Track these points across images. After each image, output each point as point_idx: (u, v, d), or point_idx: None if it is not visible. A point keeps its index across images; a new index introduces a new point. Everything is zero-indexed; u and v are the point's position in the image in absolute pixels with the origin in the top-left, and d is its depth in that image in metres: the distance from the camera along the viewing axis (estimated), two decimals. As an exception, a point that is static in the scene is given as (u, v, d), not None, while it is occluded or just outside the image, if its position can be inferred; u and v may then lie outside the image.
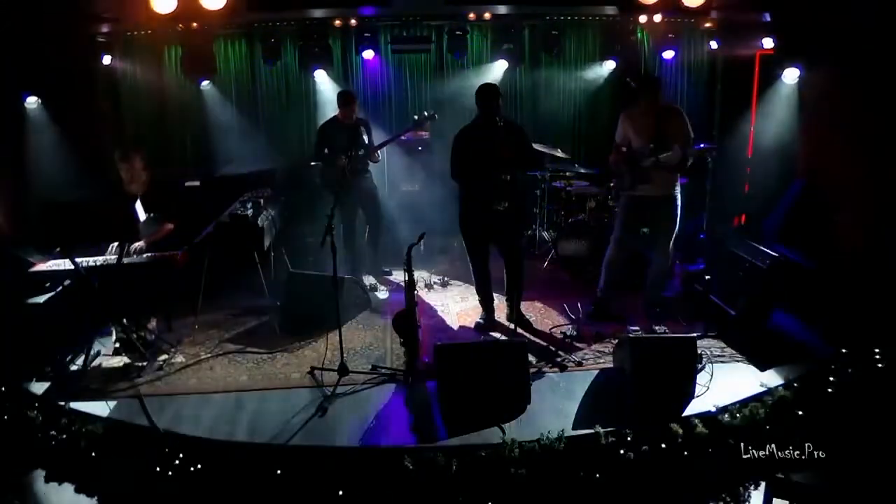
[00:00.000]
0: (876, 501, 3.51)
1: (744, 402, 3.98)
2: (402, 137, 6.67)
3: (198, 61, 6.92)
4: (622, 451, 3.60)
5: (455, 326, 5.34)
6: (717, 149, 6.51)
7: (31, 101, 6.18)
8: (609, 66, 7.55)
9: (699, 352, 4.20)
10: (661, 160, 4.81)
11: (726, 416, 3.85)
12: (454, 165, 4.87)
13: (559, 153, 6.93)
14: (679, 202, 5.06)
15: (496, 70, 7.48)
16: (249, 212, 5.47)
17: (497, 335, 5.11)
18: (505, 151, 4.62)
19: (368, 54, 7.21)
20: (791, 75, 6.23)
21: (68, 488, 3.73)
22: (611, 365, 4.55)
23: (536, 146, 6.36)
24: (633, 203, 5.14)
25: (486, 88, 4.83)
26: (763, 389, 4.12)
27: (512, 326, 5.07)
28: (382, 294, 6.12)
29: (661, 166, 4.86)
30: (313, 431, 3.91)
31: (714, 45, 7.33)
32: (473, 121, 4.87)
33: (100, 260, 4.66)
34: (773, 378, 4.28)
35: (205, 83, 7.20)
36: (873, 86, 5.17)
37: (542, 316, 5.49)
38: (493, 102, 4.71)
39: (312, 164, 6.44)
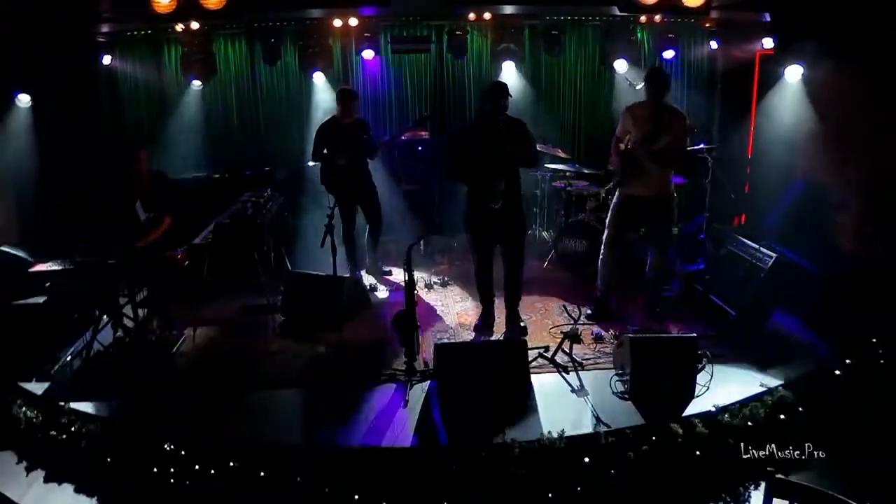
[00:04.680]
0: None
1: (744, 402, 3.98)
2: (402, 137, 6.67)
3: (198, 61, 6.92)
4: (622, 452, 3.60)
5: (455, 326, 5.34)
6: (716, 148, 6.53)
7: (24, 101, 6.16)
8: (619, 65, 7.46)
9: (699, 352, 4.20)
10: (653, 150, 4.83)
11: (726, 416, 3.84)
12: (448, 163, 4.85)
13: (559, 153, 6.93)
14: (676, 201, 5.07)
15: (497, 70, 7.47)
16: (249, 212, 5.46)
17: (497, 335, 5.11)
18: (504, 150, 4.60)
19: (368, 54, 7.20)
20: (793, 74, 6.22)
21: (68, 488, 3.72)
22: (611, 365, 4.55)
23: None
24: (628, 202, 5.13)
25: (492, 87, 4.76)
26: (763, 389, 4.12)
27: (511, 328, 5.08)
28: (382, 294, 6.12)
29: (655, 158, 4.87)
30: (313, 431, 3.92)
31: (714, 45, 7.33)
32: (476, 119, 4.84)
33: (100, 260, 4.66)
34: (773, 378, 4.28)
35: (195, 82, 7.17)
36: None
37: (542, 316, 5.49)
38: (496, 101, 4.65)
39: (312, 163, 6.43)
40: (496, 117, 4.63)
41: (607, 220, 5.31)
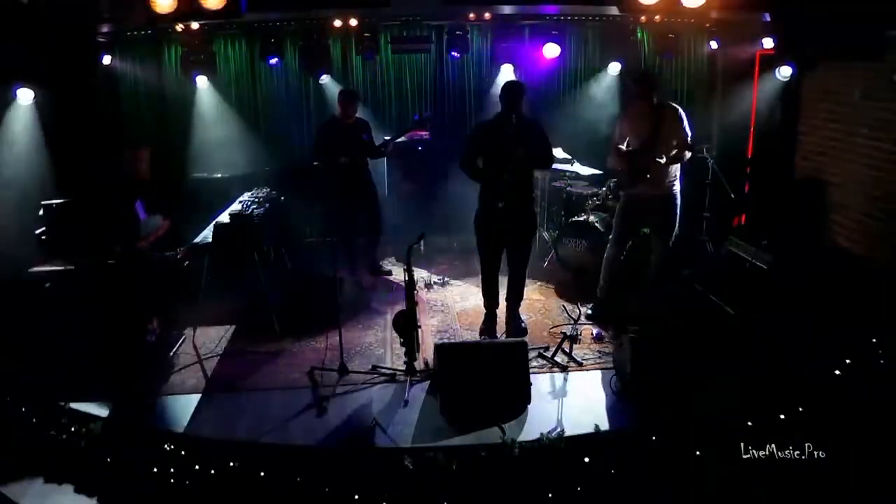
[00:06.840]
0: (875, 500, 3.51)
1: (743, 403, 3.98)
2: (402, 138, 6.66)
3: (198, 61, 6.93)
4: (622, 452, 3.60)
5: (455, 326, 5.34)
6: (716, 148, 6.53)
7: (24, 100, 6.15)
8: (614, 67, 7.52)
9: (698, 352, 4.20)
10: (657, 161, 4.86)
11: (725, 416, 3.84)
12: (462, 154, 4.84)
13: (560, 153, 6.93)
14: (678, 201, 5.08)
15: (496, 70, 7.48)
16: (249, 212, 5.47)
17: (497, 335, 5.11)
18: (514, 151, 4.58)
19: (368, 56, 7.20)
20: (792, 73, 6.24)
21: (68, 488, 3.72)
22: (611, 365, 4.55)
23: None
24: (632, 202, 5.16)
25: (507, 86, 4.75)
26: (760, 390, 4.12)
27: (512, 328, 5.08)
28: (382, 294, 6.11)
29: (660, 164, 4.89)
30: (313, 431, 3.92)
31: (714, 45, 7.33)
32: (495, 116, 4.82)
33: (100, 260, 4.66)
34: (771, 378, 4.28)
35: (200, 77, 7.18)
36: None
37: (542, 316, 5.49)
38: (509, 100, 4.65)
39: (313, 163, 6.44)
40: (508, 117, 4.63)
41: (613, 221, 5.33)
